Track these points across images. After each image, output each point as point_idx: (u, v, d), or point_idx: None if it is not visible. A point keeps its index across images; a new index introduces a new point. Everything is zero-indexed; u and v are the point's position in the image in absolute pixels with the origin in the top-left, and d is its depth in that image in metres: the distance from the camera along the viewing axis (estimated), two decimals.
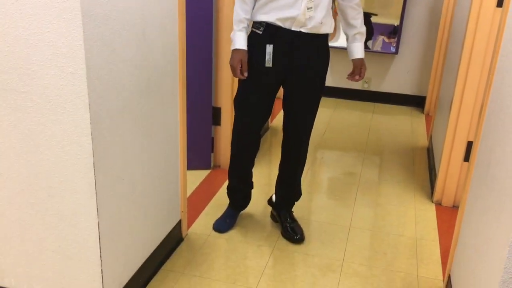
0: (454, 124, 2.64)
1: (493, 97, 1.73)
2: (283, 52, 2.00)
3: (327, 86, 4.57)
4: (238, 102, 2.14)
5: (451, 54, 3.15)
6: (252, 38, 2.03)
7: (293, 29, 1.96)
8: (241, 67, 2.01)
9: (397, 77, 4.47)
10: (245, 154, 2.25)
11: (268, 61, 2.00)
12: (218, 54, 2.77)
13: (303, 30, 1.96)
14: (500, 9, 2.30)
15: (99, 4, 1.38)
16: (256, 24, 2.01)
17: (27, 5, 1.33)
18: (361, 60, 2.17)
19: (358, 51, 2.16)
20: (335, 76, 4.51)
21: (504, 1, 1.96)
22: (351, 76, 2.21)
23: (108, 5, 1.43)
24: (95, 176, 1.48)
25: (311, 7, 1.93)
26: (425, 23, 4.23)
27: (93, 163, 1.46)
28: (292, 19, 1.94)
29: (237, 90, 2.14)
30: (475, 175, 1.83)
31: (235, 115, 2.19)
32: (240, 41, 2.00)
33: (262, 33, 1.99)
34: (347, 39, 2.19)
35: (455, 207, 2.69)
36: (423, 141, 3.71)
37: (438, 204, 2.75)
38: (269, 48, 1.99)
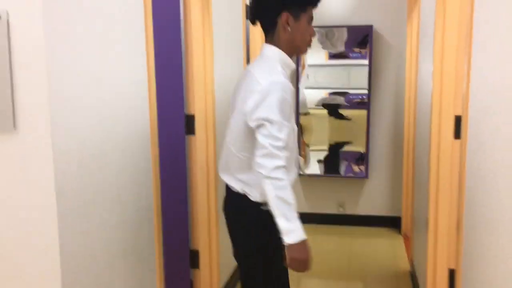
0: (433, 249, 2.64)
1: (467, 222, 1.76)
2: None
3: (302, 212, 4.61)
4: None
5: (419, 173, 3.26)
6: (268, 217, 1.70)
7: None
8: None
9: (371, 200, 4.54)
10: None
11: None
12: (193, 197, 2.78)
13: None
14: (458, 140, 2.45)
15: (73, 177, 1.40)
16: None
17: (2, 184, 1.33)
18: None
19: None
20: (309, 202, 4.56)
21: (461, 134, 2.09)
22: None
23: (82, 181, 1.45)
24: None
25: None
26: (389, 147, 4.43)
27: None
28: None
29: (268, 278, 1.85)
30: None
31: None
32: (302, 228, 1.67)
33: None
34: None
35: None
36: (405, 265, 3.66)
37: None
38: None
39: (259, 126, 1.67)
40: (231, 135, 1.85)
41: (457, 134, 2.41)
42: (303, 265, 1.69)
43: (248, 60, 3.59)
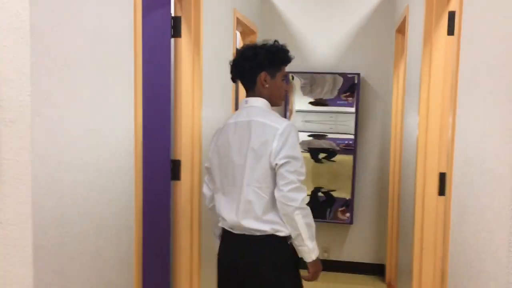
0: None
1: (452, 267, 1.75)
2: None
3: None
4: None
5: (404, 223, 3.26)
6: (293, 249, 2.01)
7: None
8: None
9: (355, 246, 4.52)
10: None
11: None
12: (176, 243, 2.74)
13: None
14: (443, 197, 2.47)
15: (52, 235, 1.37)
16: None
17: None
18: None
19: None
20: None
21: (446, 190, 2.10)
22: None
23: (61, 234, 1.42)
24: None
25: None
26: (375, 194, 4.45)
27: None
28: None
29: None
30: None
31: None
32: None
33: None
34: None
35: None
36: None
37: None
38: None
39: (285, 164, 1.89)
40: (254, 179, 1.95)
41: (442, 191, 2.43)
42: (320, 274, 2.07)
43: (236, 105, 3.62)
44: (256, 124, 1.97)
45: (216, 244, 2.23)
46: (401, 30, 3.78)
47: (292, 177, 1.88)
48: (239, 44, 4.06)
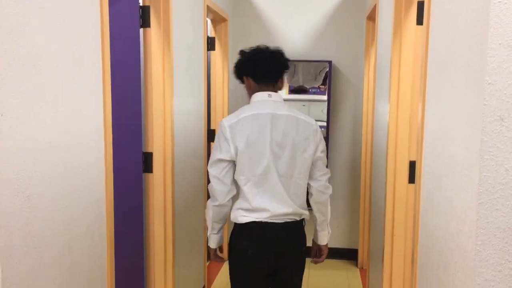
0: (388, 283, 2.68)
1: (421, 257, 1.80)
2: None
3: None
4: None
5: (375, 209, 3.32)
6: None
7: None
8: None
9: None
10: None
11: None
12: (149, 237, 2.72)
13: None
14: (413, 185, 2.51)
15: (19, 236, 1.34)
16: None
17: None
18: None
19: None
20: None
21: (416, 178, 2.14)
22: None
23: (30, 232, 1.39)
24: None
25: None
26: (346, 181, 4.50)
27: None
28: None
29: None
30: None
31: None
32: None
33: None
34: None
35: None
36: None
37: None
38: None
39: (322, 157, 2.22)
40: (297, 170, 2.15)
41: (412, 179, 2.48)
42: None
43: (208, 95, 3.59)
44: (295, 120, 2.17)
45: (213, 240, 2.28)
46: (372, 17, 3.80)
47: (326, 169, 2.24)
48: (210, 32, 4.01)
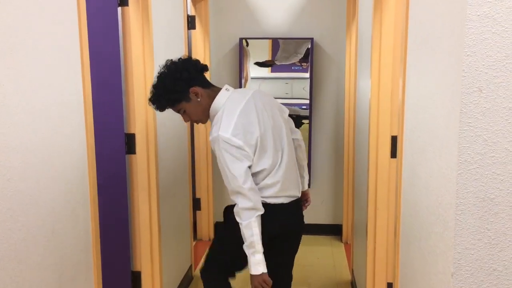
0: (372, 263, 2.73)
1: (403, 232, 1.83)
2: None
3: None
4: None
5: (358, 185, 3.36)
6: None
7: None
8: None
9: (313, 208, 4.62)
10: None
11: None
12: (134, 217, 2.72)
13: None
14: (395, 159, 2.54)
15: (2, 220, 1.32)
16: None
17: None
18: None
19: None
20: None
21: (397, 152, 2.16)
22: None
23: (12, 217, 1.37)
24: None
25: None
26: (331, 157, 4.54)
27: None
28: None
29: None
30: None
31: None
32: None
33: None
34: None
35: None
36: (346, 275, 3.76)
37: None
38: None
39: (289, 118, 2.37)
40: (291, 150, 2.24)
41: (394, 154, 2.50)
42: None
43: None
44: (263, 97, 2.22)
45: (263, 260, 2.06)
46: None
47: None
48: (190, 11, 3.96)
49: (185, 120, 2.21)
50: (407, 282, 1.78)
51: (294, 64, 4.27)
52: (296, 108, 4.33)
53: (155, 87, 2.11)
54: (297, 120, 4.32)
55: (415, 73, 1.70)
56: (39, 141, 1.52)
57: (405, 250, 1.81)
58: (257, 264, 2.03)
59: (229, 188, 2.03)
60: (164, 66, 2.12)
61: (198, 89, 2.09)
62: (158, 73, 2.12)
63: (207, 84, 2.15)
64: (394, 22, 2.52)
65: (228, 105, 2.09)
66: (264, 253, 2.05)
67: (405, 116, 1.86)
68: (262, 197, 2.09)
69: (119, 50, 2.52)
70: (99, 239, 1.98)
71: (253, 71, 4.32)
